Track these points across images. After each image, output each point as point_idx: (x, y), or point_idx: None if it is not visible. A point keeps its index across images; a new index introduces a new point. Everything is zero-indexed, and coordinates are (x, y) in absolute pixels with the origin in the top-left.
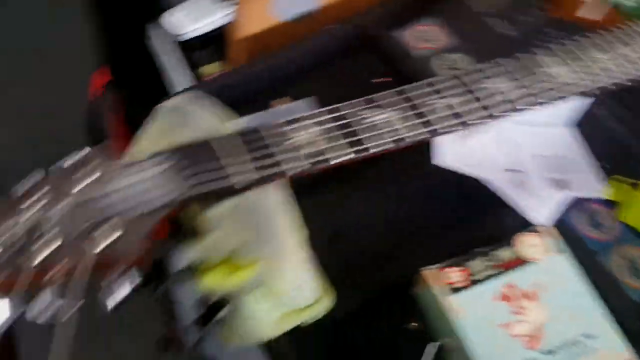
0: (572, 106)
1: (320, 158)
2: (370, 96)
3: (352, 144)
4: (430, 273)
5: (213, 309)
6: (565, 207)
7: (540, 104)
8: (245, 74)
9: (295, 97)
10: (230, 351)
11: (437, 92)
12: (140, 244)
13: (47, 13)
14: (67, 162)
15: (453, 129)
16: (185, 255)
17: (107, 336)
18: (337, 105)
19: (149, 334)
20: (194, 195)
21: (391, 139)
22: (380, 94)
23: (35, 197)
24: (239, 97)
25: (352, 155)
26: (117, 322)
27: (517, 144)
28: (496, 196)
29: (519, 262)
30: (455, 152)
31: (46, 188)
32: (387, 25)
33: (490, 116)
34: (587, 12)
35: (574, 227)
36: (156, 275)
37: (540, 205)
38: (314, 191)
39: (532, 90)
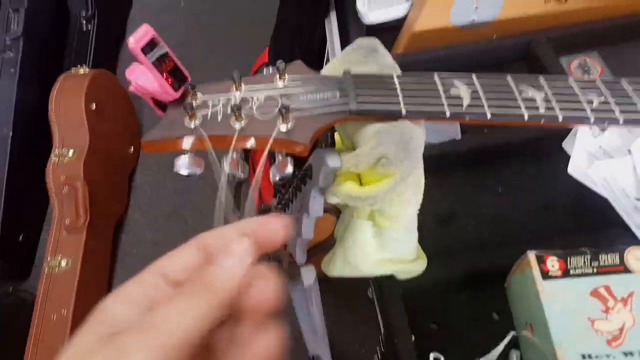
0: None
1: (477, 111)
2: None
3: (501, 107)
4: (532, 255)
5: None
6: None
7: None
8: (406, 60)
9: None
10: None
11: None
12: (307, 139)
13: None
14: (275, 66)
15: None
16: (332, 161)
17: None
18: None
19: None
20: (362, 111)
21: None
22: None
23: (242, 85)
24: None
25: (499, 118)
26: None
27: None
28: (616, 216)
29: (621, 269)
30: (589, 168)
31: (247, 81)
32: (555, 49)
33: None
34: None
35: None
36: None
37: None
38: (443, 172)
39: None
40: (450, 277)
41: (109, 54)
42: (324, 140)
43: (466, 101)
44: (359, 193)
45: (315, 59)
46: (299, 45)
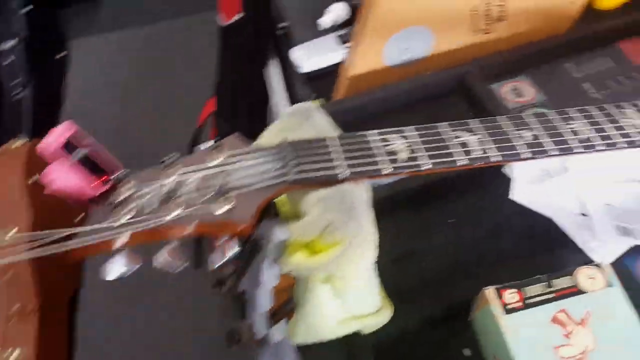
0: None
1: (412, 163)
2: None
3: (437, 157)
4: (489, 292)
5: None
6: (628, 252)
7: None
8: (345, 106)
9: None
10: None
11: (523, 124)
12: (249, 217)
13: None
14: (204, 146)
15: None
16: (280, 234)
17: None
18: (434, 124)
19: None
20: (300, 180)
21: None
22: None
23: (175, 169)
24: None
25: (436, 167)
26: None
27: (592, 192)
28: (563, 235)
29: (575, 290)
30: (531, 191)
31: (183, 163)
32: (486, 77)
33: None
34: None
35: (637, 274)
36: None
37: (604, 248)
38: (395, 212)
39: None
40: (417, 318)
41: (47, 122)
42: (272, 208)
43: (403, 155)
44: (309, 263)
45: (260, 110)
46: (242, 98)
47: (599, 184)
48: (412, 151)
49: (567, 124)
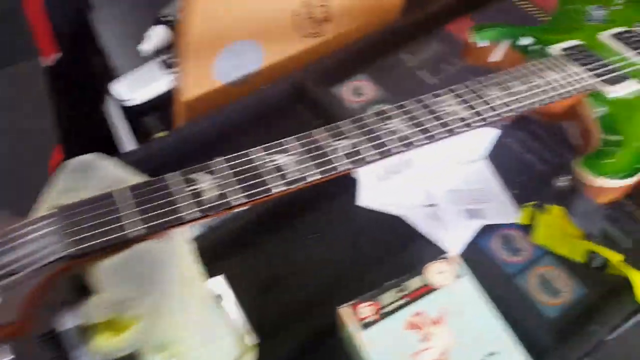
0: (486, 140)
1: (222, 202)
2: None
3: (250, 188)
4: (344, 311)
5: None
6: (481, 235)
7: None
8: (181, 135)
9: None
10: None
11: (340, 134)
12: (15, 313)
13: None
14: None
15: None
16: (70, 320)
17: None
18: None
19: None
20: (81, 251)
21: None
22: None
23: None
24: (179, 158)
25: (250, 199)
26: None
27: (435, 181)
28: (414, 231)
29: (427, 289)
30: (375, 193)
31: None
32: (324, 81)
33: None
34: (494, 57)
35: (492, 254)
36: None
37: (454, 236)
38: (252, 240)
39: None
40: (288, 347)
41: None
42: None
43: (211, 194)
44: (111, 348)
45: (110, 149)
46: (85, 140)
47: (443, 171)
48: (221, 187)
49: (385, 124)
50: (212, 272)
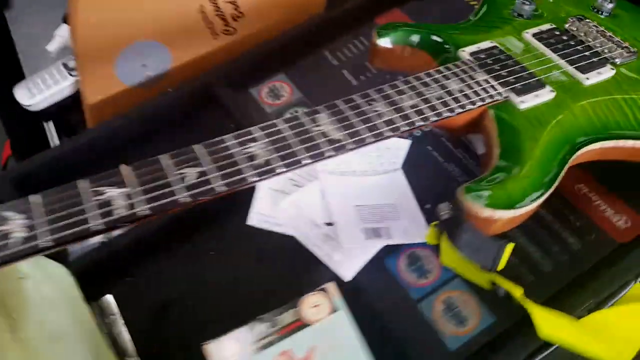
0: (398, 152)
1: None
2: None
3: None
4: (209, 348)
5: None
6: (388, 253)
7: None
8: (84, 141)
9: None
10: None
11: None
12: None
13: None
14: None
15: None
16: None
17: None
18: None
19: None
20: None
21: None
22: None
23: None
24: (82, 165)
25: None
26: None
27: (340, 196)
28: (310, 254)
29: (299, 324)
30: (269, 210)
31: None
32: (236, 82)
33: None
34: (403, 60)
35: (398, 276)
36: None
37: (349, 259)
38: (142, 264)
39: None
40: None
41: None
42: None
43: (120, 203)
44: None
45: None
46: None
47: (350, 184)
48: (129, 197)
49: (296, 131)
50: (100, 292)
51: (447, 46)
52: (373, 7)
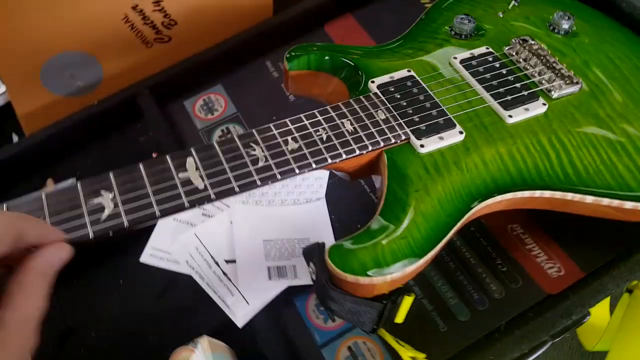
0: (320, 180)
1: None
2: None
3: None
4: None
5: None
6: (298, 291)
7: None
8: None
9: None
10: None
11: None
12: None
13: None
14: None
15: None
16: None
17: None
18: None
19: None
20: None
21: None
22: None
23: None
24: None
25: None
26: None
27: (248, 229)
28: (205, 294)
29: None
30: (166, 246)
31: None
32: (166, 94)
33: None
34: (316, 88)
35: (305, 317)
36: None
37: (246, 304)
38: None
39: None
40: None
41: None
42: None
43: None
44: None
45: None
46: None
47: (260, 216)
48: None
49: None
50: None
51: (359, 74)
52: (323, 13)
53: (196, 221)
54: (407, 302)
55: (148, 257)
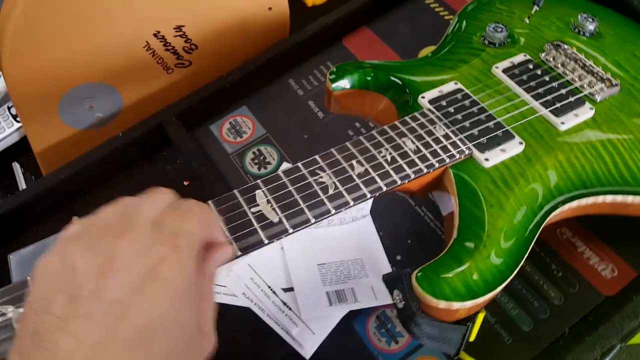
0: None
1: None
2: None
3: None
4: None
5: None
6: (355, 314)
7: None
8: (28, 196)
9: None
10: None
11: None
12: None
13: None
14: None
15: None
16: None
17: None
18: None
19: None
20: None
21: None
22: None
23: None
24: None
25: None
26: None
27: (300, 254)
28: (267, 327)
29: None
30: (220, 280)
31: None
32: (192, 120)
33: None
34: (363, 107)
35: (366, 340)
36: None
37: (311, 334)
38: None
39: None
40: None
41: None
42: None
43: None
44: None
45: None
46: None
47: (310, 240)
48: None
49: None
50: None
51: (407, 90)
52: (339, 28)
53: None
54: (480, 318)
55: None
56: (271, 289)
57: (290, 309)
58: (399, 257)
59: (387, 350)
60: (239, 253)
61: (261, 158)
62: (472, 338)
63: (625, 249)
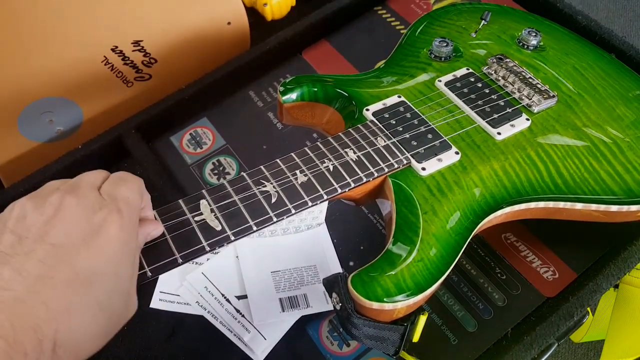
0: (321, 205)
1: None
2: None
3: None
4: None
5: None
6: (309, 319)
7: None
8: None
9: None
10: None
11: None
12: None
13: None
14: None
15: None
16: None
17: None
18: None
19: None
20: None
21: None
22: None
23: None
24: None
25: None
26: None
27: (255, 262)
28: (220, 334)
29: None
30: (174, 289)
31: None
32: (152, 131)
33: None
34: (314, 118)
35: (319, 344)
36: None
37: (262, 339)
38: None
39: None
40: None
41: None
42: None
43: None
44: None
45: None
46: None
47: (265, 248)
48: None
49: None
50: None
51: (353, 103)
52: (299, 41)
53: (201, 259)
54: (422, 320)
55: (157, 302)
56: (225, 297)
57: (243, 316)
58: (351, 263)
59: (339, 353)
60: (180, 261)
61: (220, 169)
62: (416, 339)
63: (567, 252)
